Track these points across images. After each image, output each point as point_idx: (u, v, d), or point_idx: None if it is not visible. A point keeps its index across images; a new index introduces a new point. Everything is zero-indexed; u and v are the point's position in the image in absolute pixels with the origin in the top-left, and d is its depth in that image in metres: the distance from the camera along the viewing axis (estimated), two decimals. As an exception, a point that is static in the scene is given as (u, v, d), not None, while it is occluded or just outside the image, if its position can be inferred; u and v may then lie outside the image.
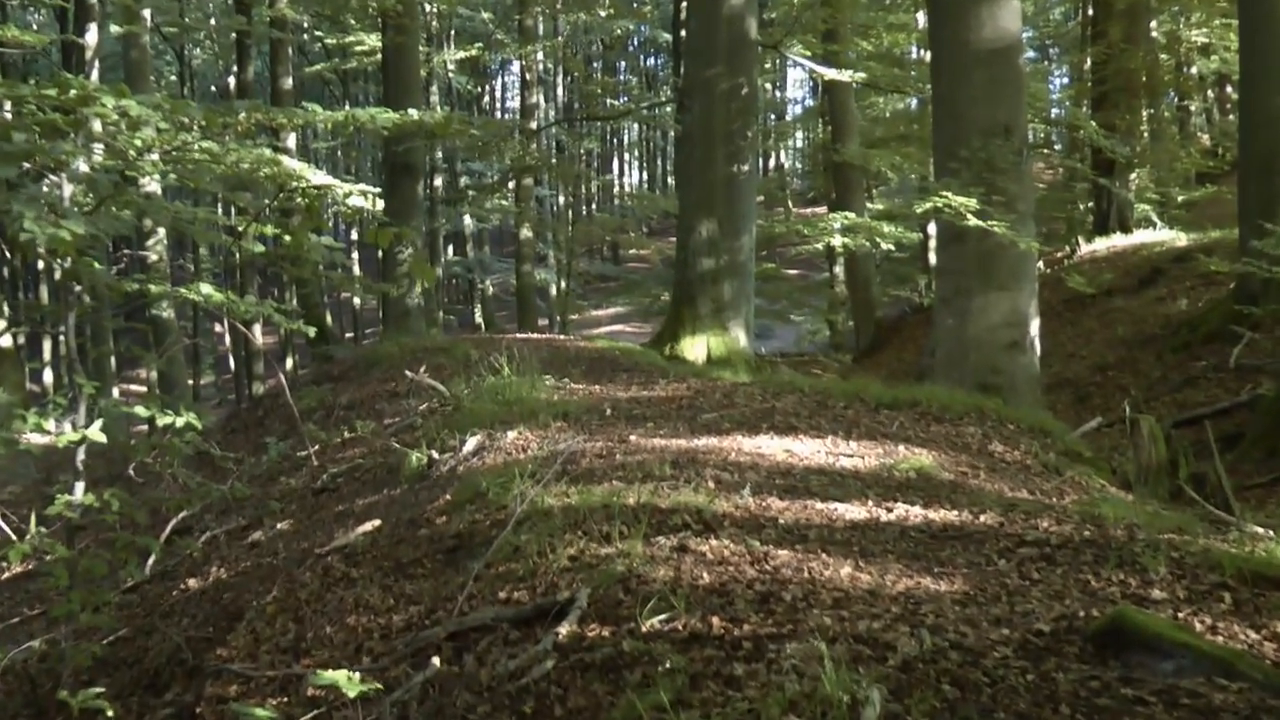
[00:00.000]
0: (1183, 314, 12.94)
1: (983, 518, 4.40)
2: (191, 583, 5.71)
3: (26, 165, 3.99)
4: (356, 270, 33.44)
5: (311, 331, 5.41)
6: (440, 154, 29.26)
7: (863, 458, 5.60)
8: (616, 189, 52.80)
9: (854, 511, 4.51)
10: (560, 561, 3.92)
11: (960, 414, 6.92)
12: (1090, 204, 19.79)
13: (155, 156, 4.27)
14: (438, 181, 30.02)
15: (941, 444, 6.13)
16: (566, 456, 5.40)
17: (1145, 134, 19.82)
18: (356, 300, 34.59)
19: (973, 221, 8.42)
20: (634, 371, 9.17)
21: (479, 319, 33.66)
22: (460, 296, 42.77)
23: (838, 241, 19.37)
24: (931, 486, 5.00)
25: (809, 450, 5.73)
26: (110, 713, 3.72)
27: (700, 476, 4.94)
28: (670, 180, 52.27)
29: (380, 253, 17.39)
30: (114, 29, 17.02)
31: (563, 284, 28.80)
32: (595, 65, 43.64)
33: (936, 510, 4.53)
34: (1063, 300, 15.64)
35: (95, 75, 16.33)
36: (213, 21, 29.89)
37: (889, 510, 4.54)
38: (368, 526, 5.27)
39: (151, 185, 12.45)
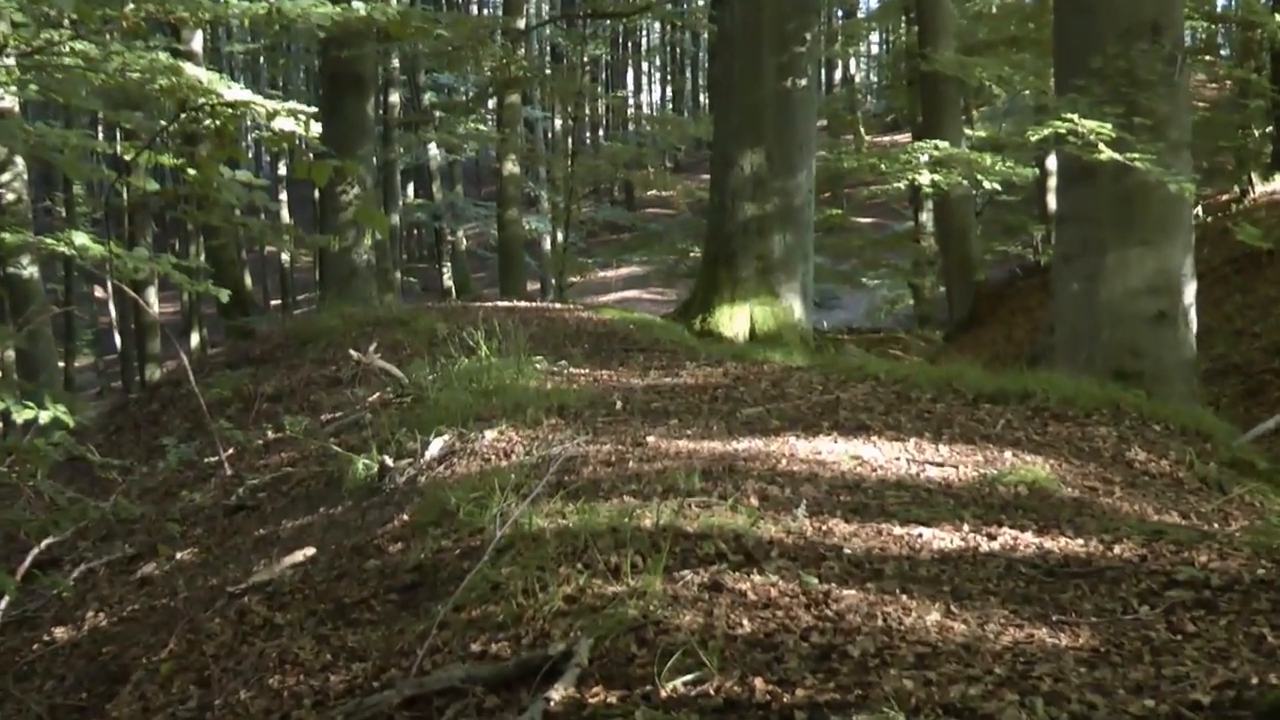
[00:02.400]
0: (1393, 277, 12.82)
1: (1117, 549, 4.36)
2: (59, 632, 5.73)
3: None
4: (286, 217, 33.51)
5: (224, 296, 5.40)
6: (397, 63, 29.25)
7: (956, 467, 5.57)
8: (631, 110, 52.72)
9: (944, 538, 4.48)
10: (553, 603, 3.91)
11: (1088, 410, 6.88)
12: (1269, 129, 19.57)
13: (10, 61, 4.25)
14: (394, 99, 30.02)
15: (1062, 450, 6.10)
16: (563, 464, 5.39)
17: (1348, 32, 19.45)
18: (286, 257, 34.70)
19: (1107, 154, 8.34)
20: (653, 352, 9.17)
21: (449, 282, 33.74)
22: (424, 252, 42.93)
23: (925, 180, 19.26)
24: (1048, 506, 4.96)
25: (885, 457, 5.71)
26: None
27: (740, 491, 4.93)
28: (703, 98, 52.16)
29: (317, 193, 17.38)
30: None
31: (560, 236, 28.79)
32: (603, -57, 43.50)
33: (1055, 538, 4.50)
34: (1228, 259, 15.53)
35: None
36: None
37: (991, 537, 4.51)
38: (298, 556, 5.28)
39: (5, 100, 12.46)
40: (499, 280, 25.84)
